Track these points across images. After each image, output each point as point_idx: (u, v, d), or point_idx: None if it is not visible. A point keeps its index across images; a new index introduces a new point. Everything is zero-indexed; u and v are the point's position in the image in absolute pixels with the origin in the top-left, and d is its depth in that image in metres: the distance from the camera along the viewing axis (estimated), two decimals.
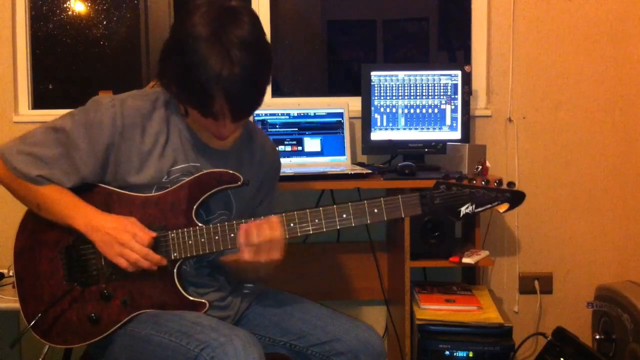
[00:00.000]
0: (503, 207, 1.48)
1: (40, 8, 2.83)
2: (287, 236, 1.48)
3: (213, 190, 1.52)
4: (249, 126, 1.69)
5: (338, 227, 1.48)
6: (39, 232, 1.56)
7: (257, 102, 1.45)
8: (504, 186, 1.49)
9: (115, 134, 1.49)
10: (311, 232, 1.49)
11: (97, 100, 1.52)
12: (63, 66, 2.98)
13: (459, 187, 1.47)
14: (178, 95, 1.45)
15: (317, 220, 1.48)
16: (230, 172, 1.52)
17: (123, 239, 1.45)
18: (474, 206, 1.47)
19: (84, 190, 1.53)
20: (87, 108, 1.52)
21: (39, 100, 2.73)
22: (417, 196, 1.47)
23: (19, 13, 2.64)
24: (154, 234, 1.48)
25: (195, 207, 1.51)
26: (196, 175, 1.52)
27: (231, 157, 1.61)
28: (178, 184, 1.52)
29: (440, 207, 1.47)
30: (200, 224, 1.51)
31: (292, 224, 1.49)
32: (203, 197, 1.52)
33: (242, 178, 1.52)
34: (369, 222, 1.48)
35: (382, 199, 1.47)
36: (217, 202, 1.58)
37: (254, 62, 1.38)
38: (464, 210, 1.47)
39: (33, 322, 1.52)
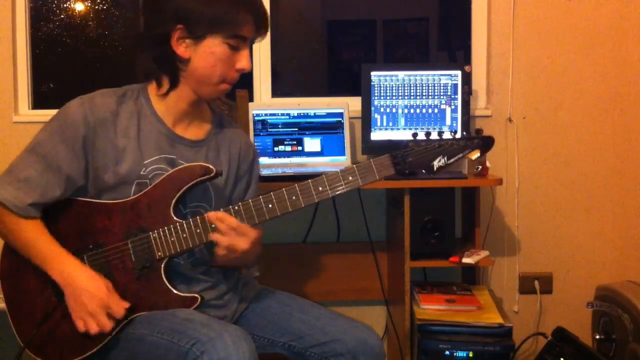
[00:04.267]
0: (474, 154, 1.50)
1: (40, 8, 2.83)
2: (267, 217, 1.50)
3: (187, 186, 1.52)
4: (223, 118, 1.72)
5: (316, 201, 1.49)
6: None
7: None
8: (472, 135, 1.51)
9: (88, 130, 1.50)
10: (290, 210, 1.50)
11: (66, 105, 1.54)
12: (63, 66, 2.98)
13: (427, 142, 1.49)
14: (203, 34, 1.49)
15: (294, 197, 1.50)
16: (203, 164, 1.53)
17: (94, 310, 1.45)
18: (445, 158, 1.49)
19: (62, 206, 1.53)
20: (58, 115, 1.54)
21: (39, 100, 2.73)
22: (389, 157, 1.49)
23: (19, 13, 2.64)
24: (127, 305, 1.48)
25: (172, 204, 1.51)
26: (169, 172, 1.53)
27: (204, 148, 1.62)
28: (152, 185, 1.52)
29: (413, 164, 1.49)
30: (179, 220, 1.51)
31: (270, 205, 1.50)
32: (179, 194, 1.52)
33: (214, 169, 1.52)
34: (345, 190, 1.49)
35: (354, 166, 1.49)
36: (194, 194, 1.57)
37: None
38: (436, 163, 1.48)
39: (27, 342, 1.51)
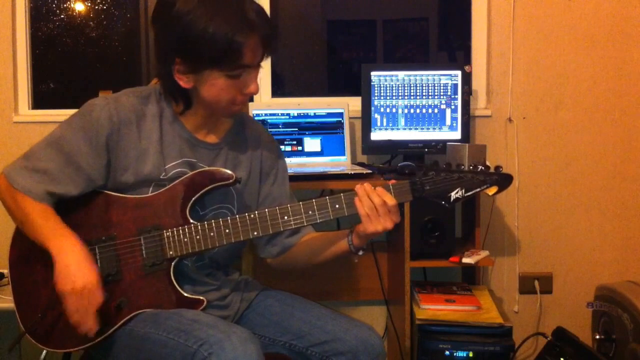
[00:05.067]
0: (492, 190, 1.51)
1: (40, 8, 2.83)
2: (282, 229, 1.53)
3: (206, 189, 1.53)
4: (242, 116, 1.71)
5: (332, 217, 1.52)
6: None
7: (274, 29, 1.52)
8: (491, 170, 1.52)
9: (113, 131, 1.50)
10: (305, 224, 1.53)
11: (91, 103, 1.54)
12: (63, 66, 2.98)
13: (447, 173, 1.50)
14: (200, 68, 1.45)
15: (310, 212, 1.52)
16: (223, 170, 1.54)
17: (88, 298, 1.43)
18: (463, 190, 1.50)
19: (80, 196, 1.53)
20: (82, 112, 1.54)
21: (39, 100, 2.73)
22: (408, 183, 1.51)
23: (19, 13, 2.64)
24: (101, 300, 1.45)
25: (189, 205, 1.53)
26: (189, 174, 1.54)
27: (225, 150, 1.63)
28: (171, 184, 1.53)
29: (431, 193, 1.51)
30: (194, 222, 1.52)
31: (285, 217, 1.51)
32: (196, 196, 1.53)
33: (234, 176, 1.53)
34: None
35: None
36: (213, 197, 1.58)
37: None
38: (454, 195, 1.50)
39: (29, 327, 1.52)
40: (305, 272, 2.56)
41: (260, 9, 1.47)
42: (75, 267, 1.44)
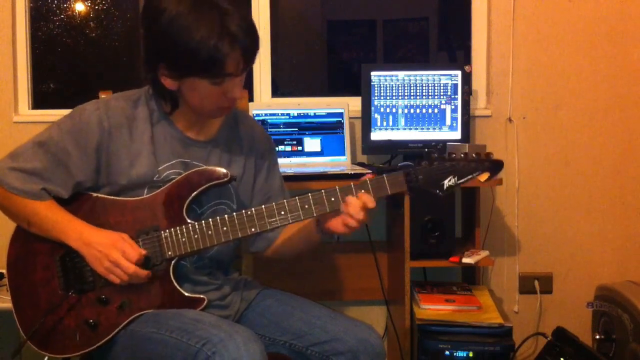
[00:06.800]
0: (484, 177, 1.52)
1: (40, 8, 2.83)
2: (279, 224, 1.53)
3: (201, 188, 1.54)
4: (235, 111, 1.71)
5: (328, 211, 1.51)
6: (33, 241, 1.55)
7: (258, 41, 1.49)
8: (483, 157, 1.53)
9: (103, 135, 1.51)
10: (302, 218, 1.53)
11: (81, 107, 1.55)
12: (63, 66, 2.98)
13: (440, 161, 1.51)
14: (183, 75, 1.46)
15: (306, 207, 1.51)
16: (218, 169, 1.54)
17: (112, 256, 1.47)
18: (456, 178, 1.51)
19: (76, 200, 1.54)
20: (72, 115, 1.55)
21: (39, 100, 2.73)
22: (402, 174, 1.51)
23: (19, 13, 2.64)
24: (143, 252, 1.49)
25: (185, 205, 1.53)
26: (184, 174, 1.54)
27: (218, 147, 1.63)
28: (167, 185, 1.53)
29: (425, 182, 1.51)
30: (191, 221, 1.52)
31: (282, 213, 1.51)
32: (192, 196, 1.53)
33: (229, 175, 1.54)
34: None
35: (368, 180, 1.51)
36: (210, 194, 1.59)
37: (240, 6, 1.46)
38: (447, 183, 1.51)
39: (31, 333, 1.51)
40: (305, 272, 2.57)
41: (245, 21, 1.45)
42: (97, 244, 1.47)
